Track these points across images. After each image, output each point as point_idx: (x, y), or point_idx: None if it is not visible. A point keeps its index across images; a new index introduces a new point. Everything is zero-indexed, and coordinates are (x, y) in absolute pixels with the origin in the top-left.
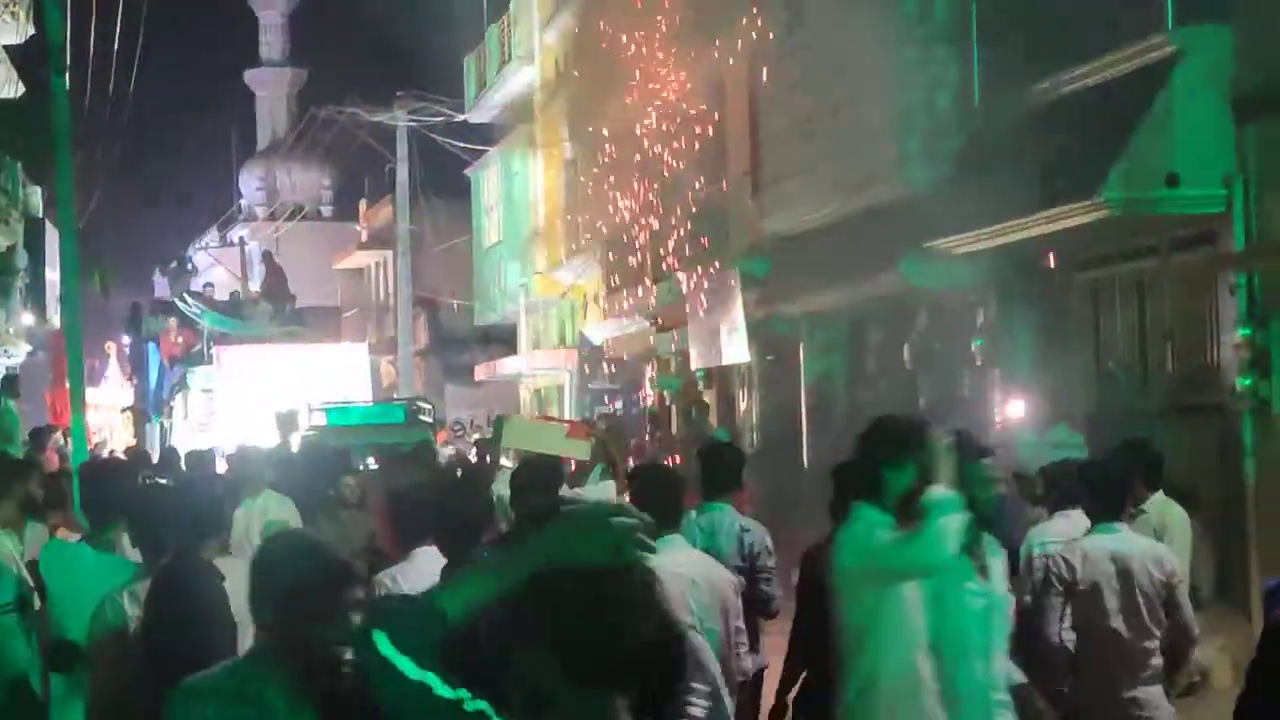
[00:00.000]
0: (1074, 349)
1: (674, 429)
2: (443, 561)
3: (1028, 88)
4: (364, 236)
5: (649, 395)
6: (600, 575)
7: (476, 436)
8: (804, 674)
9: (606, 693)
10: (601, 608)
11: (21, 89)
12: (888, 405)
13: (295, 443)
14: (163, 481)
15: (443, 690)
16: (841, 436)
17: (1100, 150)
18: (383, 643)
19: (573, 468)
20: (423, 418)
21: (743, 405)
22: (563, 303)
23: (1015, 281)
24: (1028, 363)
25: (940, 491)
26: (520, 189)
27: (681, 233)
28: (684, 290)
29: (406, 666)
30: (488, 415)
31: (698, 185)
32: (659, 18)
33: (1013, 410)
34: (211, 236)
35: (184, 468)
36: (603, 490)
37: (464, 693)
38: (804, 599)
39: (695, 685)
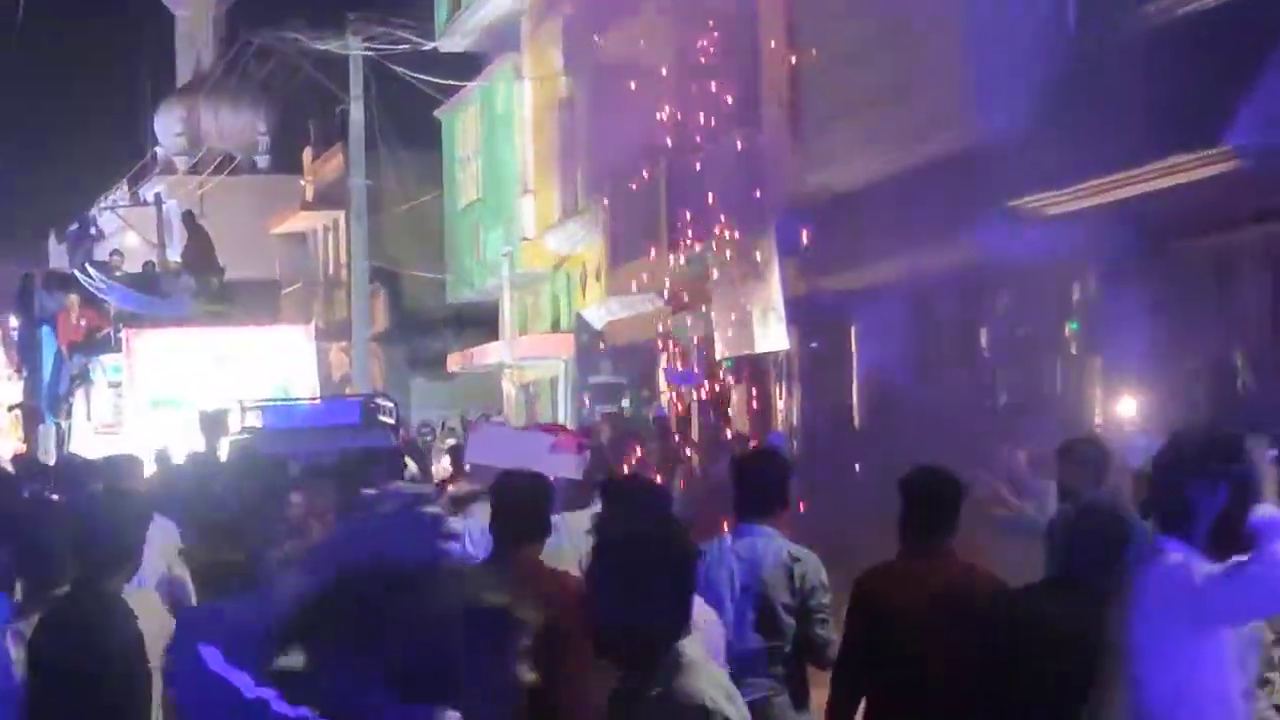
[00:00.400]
0: (1194, 333)
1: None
2: None
3: (1136, 7)
4: (309, 194)
5: (664, 390)
6: (412, 582)
7: (451, 442)
8: None
9: (430, 707)
10: (415, 619)
11: None
12: (960, 403)
13: (224, 449)
14: (57, 497)
15: (280, 706)
16: (902, 442)
17: (1227, 86)
18: (214, 659)
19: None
20: (383, 418)
21: (780, 404)
22: (556, 276)
23: (1120, 250)
24: (1136, 350)
25: (1269, 512)
26: (504, 135)
27: (705, 190)
28: (707, 261)
29: (243, 683)
30: (463, 416)
31: (724, 131)
32: None
33: (1119, 410)
34: (120, 193)
35: (90, 478)
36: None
37: (304, 710)
38: (858, 636)
39: None
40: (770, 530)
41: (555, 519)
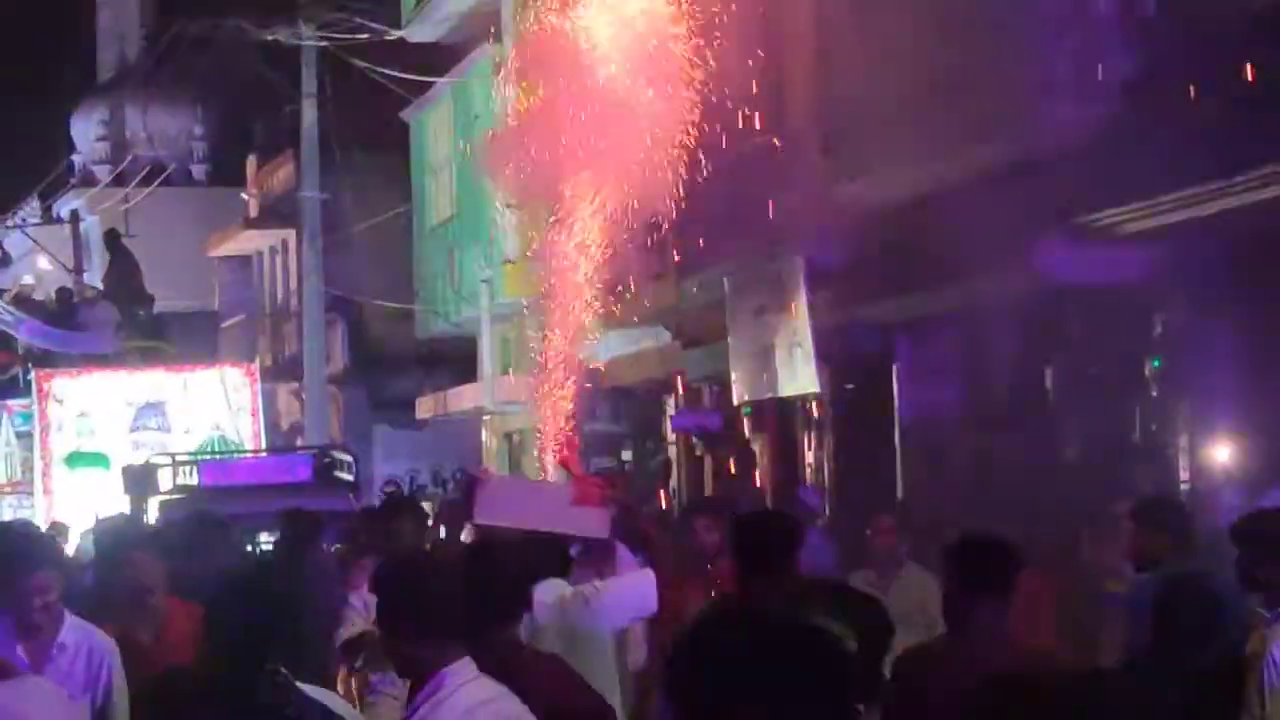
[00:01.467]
0: None
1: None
2: None
3: None
4: (254, 209)
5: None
6: None
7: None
8: None
9: None
10: None
11: None
12: (1022, 454)
13: (153, 510)
14: None
15: None
16: (952, 502)
17: None
18: None
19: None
20: (340, 474)
21: (809, 456)
22: (544, 307)
23: (1209, 274)
24: (1231, 391)
25: None
26: (482, 140)
27: (720, 206)
28: (724, 288)
29: None
30: (434, 470)
31: (743, 138)
32: None
33: (1211, 460)
34: (29, 208)
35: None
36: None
37: None
38: None
39: None
40: None
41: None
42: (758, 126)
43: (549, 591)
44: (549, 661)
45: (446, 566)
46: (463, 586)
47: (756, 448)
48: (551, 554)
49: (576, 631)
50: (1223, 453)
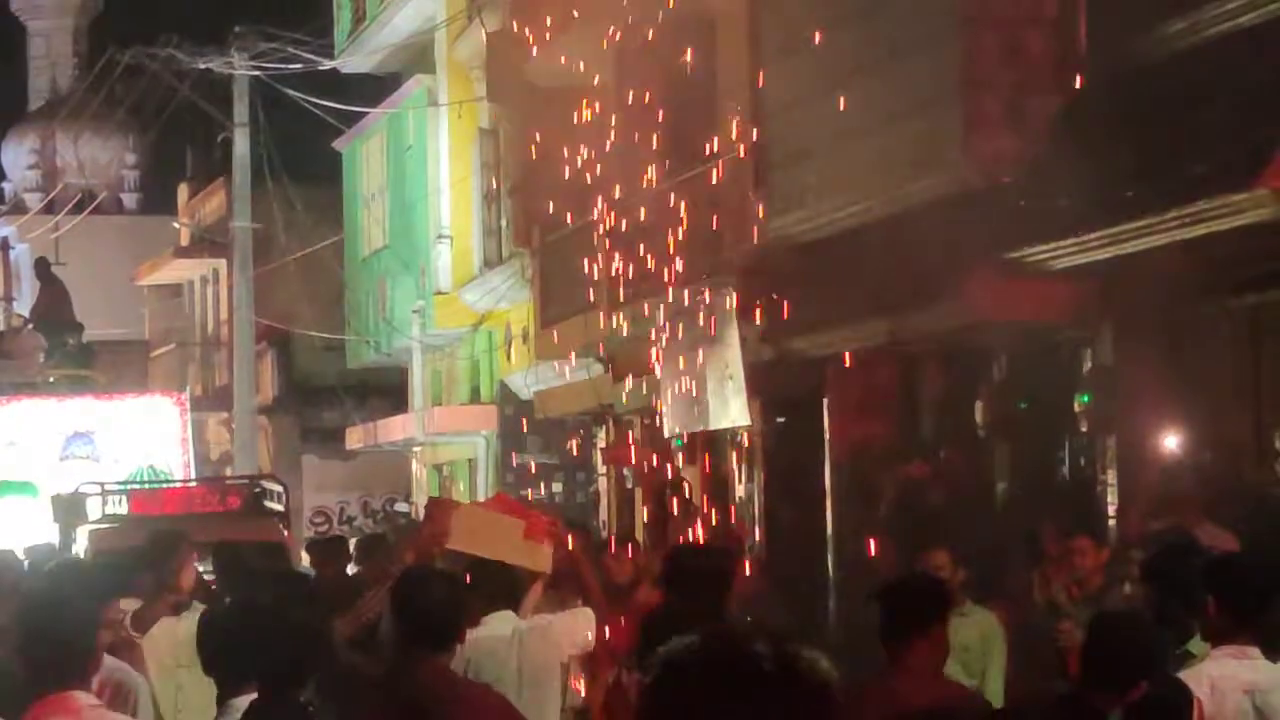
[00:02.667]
0: (1224, 406)
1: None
2: None
3: (1156, 27)
4: (184, 238)
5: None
6: None
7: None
8: None
9: None
10: None
11: None
12: (953, 488)
13: (82, 540)
14: None
15: None
16: (885, 534)
17: (1263, 120)
18: None
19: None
20: (270, 504)
21: (740, 489)
22: (476, 338)
23: (1139, 310)
24: (1157, 427)
25: None
26: (415, 170)
27: (651, 238)
28: (656, 321)
29: None
30: (364, 501)
31: (674, 170)
32: None
33: (1138, 495)
34: None
35: None
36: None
37: None
38: None
39: None
40: None
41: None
42: (691, 162)
43: (504, 623)
44: (482, 692)
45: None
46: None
47: (687, 480)
48: (506, 585)
49: (535, 663)
50: (1150, 487)
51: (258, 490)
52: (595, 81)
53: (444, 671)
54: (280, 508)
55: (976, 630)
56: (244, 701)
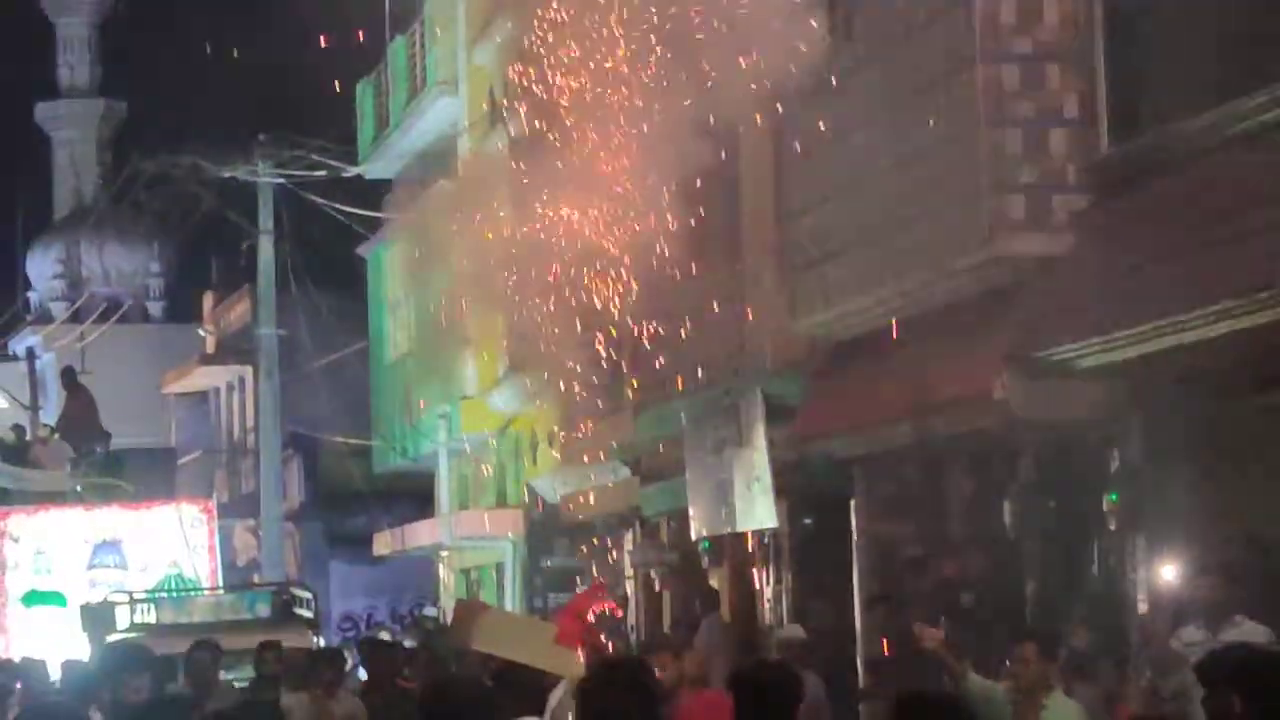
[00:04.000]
0: (1257, 504)
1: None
2: None
3: (1178, 121)
4: (210, 346)
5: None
6: None
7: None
8: None
9: None
10: None
11: None
12: (982, 588)
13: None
14: None
15: None
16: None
17: None
18: None
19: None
20: (299, 611)
21: (767, 593)
22: (502, 441)
23: (1166, 409)
24: (1188, 526)
25: None
26: (440, 276)
27: (679, 340)
28: (682, 423)
29: None
30: (391, 608)
31: (699, 272)
32: (644, 32)
33: (1168, 594)
34: None
35: None
36: None
37: None
38: None
39: None
40: None
41: None
42: (716, 264)
43: None
44: None
45: None
46: None
47: (715, 582)
48: (534, 691)
49: None
50: (1179, 586)
51: (287, 598)
52: (617, 186)
53: None
54: (310, 614)
55: None
56: None
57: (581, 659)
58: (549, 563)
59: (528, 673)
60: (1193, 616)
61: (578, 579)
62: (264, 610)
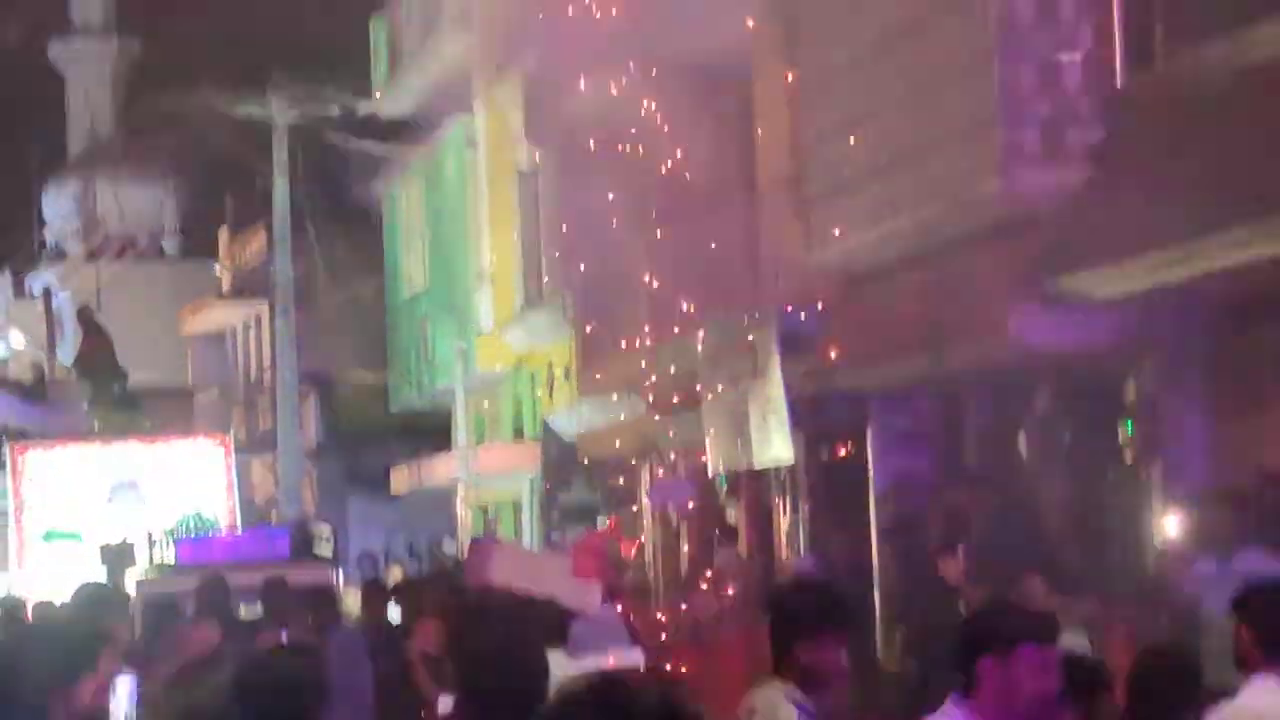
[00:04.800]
0: (1272, 435)
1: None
2: None
3: (1194, 52)
4: (226, 284)
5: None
6: None
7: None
8: None
9: None
10: None
11: None
12: (999, 519)
13: (132, 588)
14: None
15: None
16: (929, 565)
17: None
18: None
19: None
20: (319, 548)
21: (784, 526)
22: (518, 377)
23: (1184, 338)
24: (1204, 457)
25: None
26: (455, 212)
27: (692, 275)
28: (696, 358)
29: None
30: (410, 543)
31: (714, 206)
32: None
33: (1182, 526)
34: (2, 286)
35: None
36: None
37: None
38: None
39: None
40: (776, 685)
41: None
42: (731, 198)
43: (555, 666)
44: None
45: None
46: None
47: (732, 517)
48: (556, 623)
49: None
50: (1195, 516)
51: (305, 535)
52: (634, 122)
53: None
54: (329, 552)
55: None
56: None
57: (598, 591)
58: (565, 498)
59: (546, 606)
60: (1203, 547)
61: (597, 516)
62: (283, 548)
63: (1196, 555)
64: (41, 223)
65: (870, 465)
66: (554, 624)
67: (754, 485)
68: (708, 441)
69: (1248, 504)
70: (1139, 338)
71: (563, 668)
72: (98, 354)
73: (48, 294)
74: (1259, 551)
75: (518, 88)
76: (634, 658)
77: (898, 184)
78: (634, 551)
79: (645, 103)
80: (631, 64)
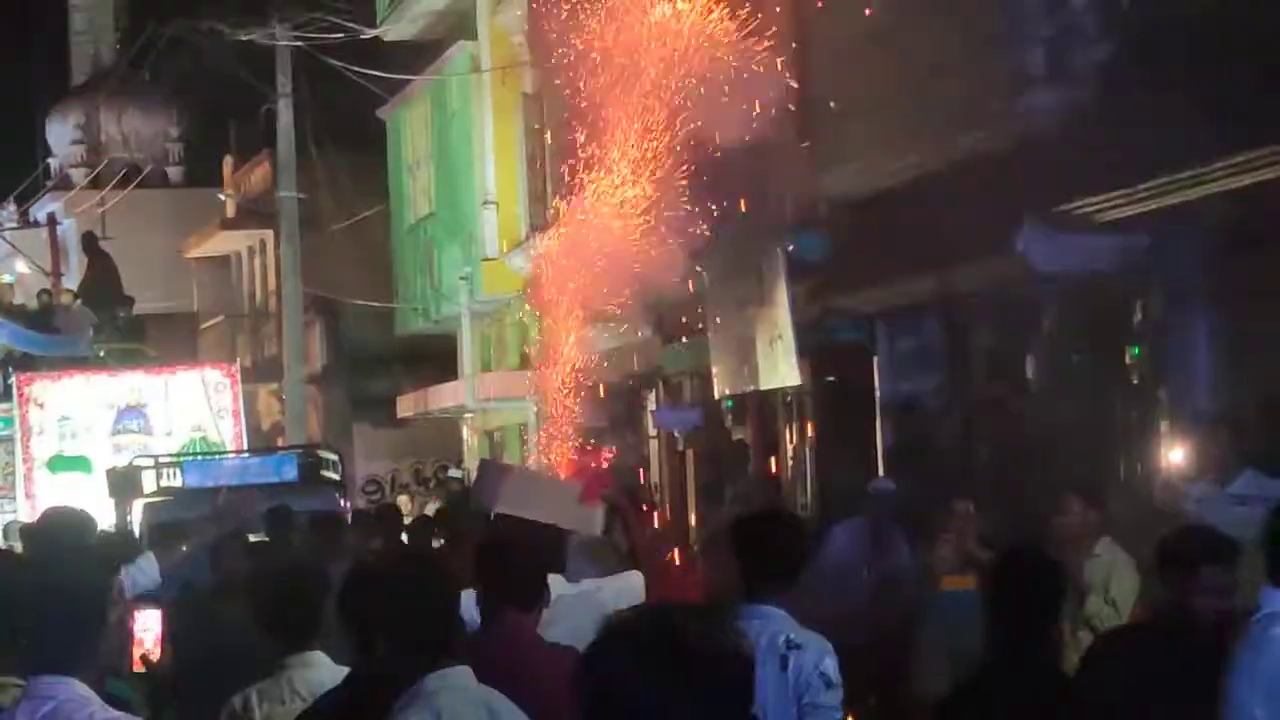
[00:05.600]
0: (1275, 359)
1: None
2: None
3: None
4: (231, 210)
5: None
6: None
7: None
8: None
9: None
10: None
11: None
12: (1002, 443)
13: (138, 514)
14: None
15: None
16: (936, 488)
17: None
18: None
19: None
20: (326, 473)
21: (790, 449)
22: (523, 303)
23: (1190, 262)
24: (1208, 380)
25: None
26: (459, 137)
27: (697, 199)
28: (702, 281)
29: None
30: (416, 468)
31: (719, 130)
32: None
33: (1185, 449)
34: (7, 212)
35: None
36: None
37: None
38: None
39: None
40: (773, 611)
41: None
42: (736, 122)
43: (553, 588)
44: (566, 655)
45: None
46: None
47: (741, 439)
48: (559, 549)
49: (583, 629)
50: (1196, 441)
51: (313, 460)
52: (637, 47)
53: (531, 633)
54: (336, 477)
55: (1105, 570)
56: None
57: (601, 516)
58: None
59: (551, 531)
60: (1203, 470)
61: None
62: (290, 473)
63: (1198, 477)
64: (46, 150)
65: (876, 388)
66: (559, 553)
67: (761, 410)
68: (714, 366)
69: (1246, 428)
70: (1146, 261)
71: (560, 588)
72: (103, 281)
73: (52, 221)
74: (1257, 474)
75: (523, 10)
76: (633, 581)
77: (904, 107)
78: (640, 477)
79: (648, 27)
80: None
